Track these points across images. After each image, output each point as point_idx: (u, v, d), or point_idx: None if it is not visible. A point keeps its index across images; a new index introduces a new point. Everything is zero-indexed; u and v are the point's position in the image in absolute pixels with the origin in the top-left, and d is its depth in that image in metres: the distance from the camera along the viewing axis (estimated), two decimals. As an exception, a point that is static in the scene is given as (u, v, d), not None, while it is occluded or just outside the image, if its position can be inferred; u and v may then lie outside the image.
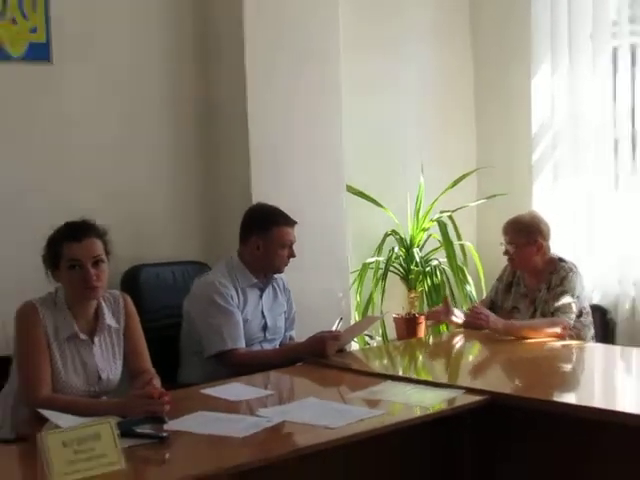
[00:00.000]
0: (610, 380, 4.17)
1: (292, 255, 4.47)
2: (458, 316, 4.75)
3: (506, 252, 4.77)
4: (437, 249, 6.16)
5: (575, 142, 6.11)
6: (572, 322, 4.57)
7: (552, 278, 4.68)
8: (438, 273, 6.06)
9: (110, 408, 3.19)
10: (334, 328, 4.45)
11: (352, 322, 5.49)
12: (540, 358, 4.31)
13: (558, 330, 4.50)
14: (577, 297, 4.62)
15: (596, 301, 5.61)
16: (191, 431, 3.08)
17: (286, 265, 4.50)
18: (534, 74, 6.24)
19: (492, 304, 4.96)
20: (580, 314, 4.66)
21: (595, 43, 6.00)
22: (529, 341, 4.49)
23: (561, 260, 4.76)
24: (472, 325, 4.60)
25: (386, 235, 6.08)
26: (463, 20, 6.63)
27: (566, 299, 4.58)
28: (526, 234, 4.72)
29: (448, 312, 4.77)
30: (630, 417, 3.25)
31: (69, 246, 3.44)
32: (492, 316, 4.58)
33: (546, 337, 4.50)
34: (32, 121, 4.76)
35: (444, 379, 4.04)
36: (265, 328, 4.51)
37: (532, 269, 4.75)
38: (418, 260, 6.05)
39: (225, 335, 4.27)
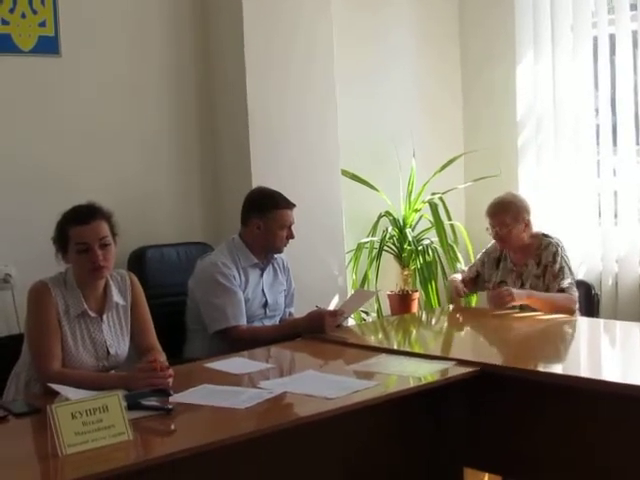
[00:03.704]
0: (595, 351, 4.13)
1: (291, 236, 4.45)
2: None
3: (496, 234, 4.70)
4: (429, 229, 6.14)
5: (557, 127, 6.08)
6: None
7: (542, 254, 4.63)
8: (430, 252, 6.03)
9: (116, 382, 3.20)
10: (332, 307, 4.42)
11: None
12: (528, 331, 4.28)
13: (573, 306, 4.48)
14: (572, 271, 4.59)
15: (581, 277, 5.57)
16: (195, 403, 3.05)
17: (285, 245, 4.48)
18: (518, 63, 6.21)
19: (477, 274, 4.91)
20: (569, 288, 4.64)
21: (576, 33, 5.98)
22: (517, 315, 4.48)
23: (545, 235, 4.71)
24: (499, 305, 4.52)
25: (380, 216, 6.06)
26: (451, 11, 6.60)
27: (568, 276, 4.55)
28: (514, 213, 4.66)
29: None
30: (615, 386, 3.22)
31: (76, 229, 3.42)
32: (514, 291, 4.51)
33: (561, 311, 4.44)
34: (41, 112, 4.72)
35: (436, 352, 3.98)
36: (266, 305, 4.49)
37: (520, 246, 4.70)
38: (411, 240, 6.03)
39: (228, 313, 4.27)
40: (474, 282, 4.94)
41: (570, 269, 4.59)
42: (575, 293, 4.55)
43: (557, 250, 4.60)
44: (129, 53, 5.03)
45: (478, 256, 5.01)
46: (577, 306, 4.60)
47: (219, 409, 2.99)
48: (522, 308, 4.59)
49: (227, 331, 4.25)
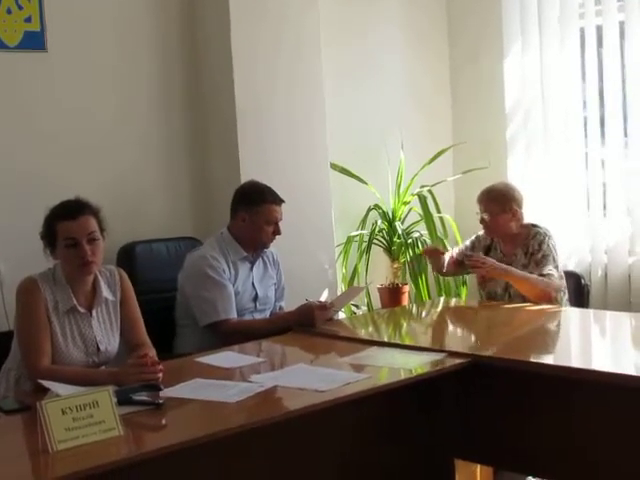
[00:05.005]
0: (586, 342, 4.13)
1: (277, 232, 4.44)
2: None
3: (482, 220, 4.71)
4: (418, 222, 6.13)
5: (546, 119, 6.08)
6: (563, 283, 4.57)
7: (529, 243, 4.63)
8: (419, 244, 6.03)
9: (106, 377, 3.18)
10: (322, 299, 4.41)
11: (339, 292, 5.49)
12: (519, 322, 4.29)
13: (551, 292, 4.47)
14: (556, 260, 4.58)
15: (571, 268, 5.56)
16: (186, 397, 3.04)
17: (271, 241, 4.47)
18: (506, 55, 6.21)
19: (462, 257, 4.91)
20: (556, 278, 4.62)
21: (563, 24, 5.96)
22: (508, 307, 4.47)
23: (534, 226, 4.71)
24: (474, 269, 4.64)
25: (369, 209, 6.05)
26: (438, 4, 6.60)
27: (550, 264, 4.54)
28: (501, 202, 4.66)
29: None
30: (604, 375, 3.23)
31: (64, 224, 3.40)
32: (493, 261, 4.55)
33: (538, 294, 4.45)
34: (28, 108, 4.71)
35: (427, 344, 3.99)
36: (256, 299, 4.48)
37: (507, 235, 4.70)
38: (400, 232, 6.03)
39: (218, 306, 4.26)
40: (460, 264, 4.92)
41: (555, 259, 4.59)
42: (557, 281, 4.54)
43: (544, 239, 4.61)
44: (116, 48, 5.00)
45: (467, 241, 5.01)
46: (565, 296, 4.61)
47: (210, 403, 2.98)
48: (510, 296, 4.60)
49: (217, 324, 4.24)
